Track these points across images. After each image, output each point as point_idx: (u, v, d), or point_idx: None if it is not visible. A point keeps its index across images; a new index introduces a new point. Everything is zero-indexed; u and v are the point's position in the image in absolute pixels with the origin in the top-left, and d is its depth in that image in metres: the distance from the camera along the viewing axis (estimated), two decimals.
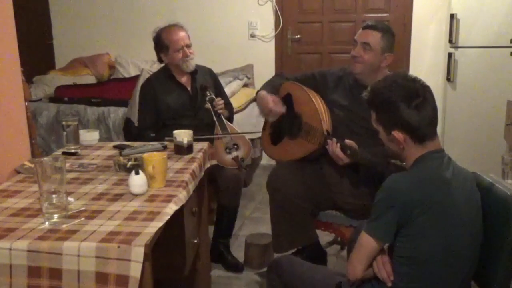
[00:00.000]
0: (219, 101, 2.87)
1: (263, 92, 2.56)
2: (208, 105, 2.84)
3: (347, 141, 2.27)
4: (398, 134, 1.60)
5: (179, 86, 2.96)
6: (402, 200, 1.52)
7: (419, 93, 1.59)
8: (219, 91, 3.10)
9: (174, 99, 2.92)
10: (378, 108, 1.66)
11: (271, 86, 2.63)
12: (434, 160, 1.60)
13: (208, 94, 2.86)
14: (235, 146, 2.79)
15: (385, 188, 1.57)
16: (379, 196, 1.57)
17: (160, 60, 3.01)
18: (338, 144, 2.26)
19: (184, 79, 2.99)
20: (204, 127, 2.80)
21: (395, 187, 1.55)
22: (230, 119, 3.08)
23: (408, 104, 1.57)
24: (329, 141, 2.30)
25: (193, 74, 2.99)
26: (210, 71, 3.14)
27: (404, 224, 1.53)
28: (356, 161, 2.24)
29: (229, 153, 2.77)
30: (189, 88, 2.98)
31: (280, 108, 2.51)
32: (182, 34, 2.90)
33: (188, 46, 2.91)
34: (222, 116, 2.86)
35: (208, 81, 3.03)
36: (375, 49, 2.33)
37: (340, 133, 2.38)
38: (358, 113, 2.36)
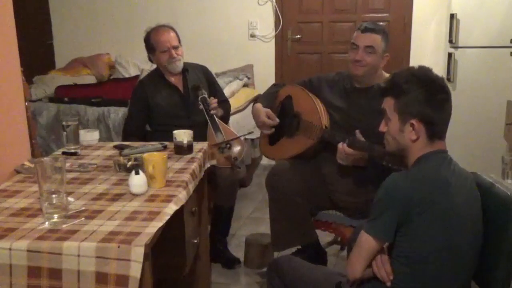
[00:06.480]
0: (212, 100, 2.82)
1: (258, 105, 2.61)
2: (201, 105, 2.79)
3: (357, 135, 2.25)
4: (418, 124, 1.59)
5: (169, 86, 2.92)
6: (402, 199, 1.52)
7: (445, 89, 1.59)
8: (214, 88, 3.04)
9: (165, 100, 2.88)
10: (401, 93, 1.60)
11: (267, 97, 2.67)
12: (435, 159, 1.60)
13: (200, 94, 2.81)
14: (228, 145, 2.74)
15: (385, 187, 1.57)
16: (379, 195, 1.57)
17: (150, 60, 2.98)
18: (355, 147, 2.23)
19: (174, 79, 2.94)
20: (199, 128, 2.73)
21: (395, 186, 1.55)
22: (227, 118, 3.04)
23: (434, 97, 1.57)
24: (343, 148, 2.25)
25: (184, 73, 2.95)
26: (203, 68, 3.08)
27: (404, 224, 1.53)
28: (371, 153, 2.20)
29: (222, 152, 2.72)
30: (180, 88, 2.93)
31: (272, 121, 2.54)
32: (169, 35, 2.84)
33: (175, 47, 2.84)
34: (215, 116, 2.81)
35: (200, 79, 2.98)
36: (378, 52, 2.35)
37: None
38: (354, 116, 2.40)
